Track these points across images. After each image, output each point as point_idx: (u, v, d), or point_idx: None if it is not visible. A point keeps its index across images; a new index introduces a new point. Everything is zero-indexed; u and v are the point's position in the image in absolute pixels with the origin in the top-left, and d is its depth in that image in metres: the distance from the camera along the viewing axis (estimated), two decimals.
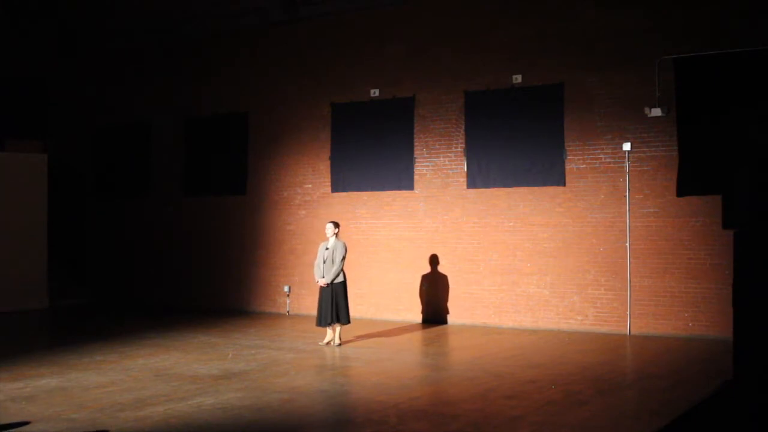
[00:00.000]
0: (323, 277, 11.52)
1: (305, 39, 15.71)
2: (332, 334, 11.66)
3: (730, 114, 11.78)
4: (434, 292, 14.12)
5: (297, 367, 10.00)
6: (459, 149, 13.97)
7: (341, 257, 11.50)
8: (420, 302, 14.24)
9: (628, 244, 12.54)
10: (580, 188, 12.96)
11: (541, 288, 13.21)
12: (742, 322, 6.06)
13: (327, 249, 11.64)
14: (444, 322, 13.99)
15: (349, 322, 11.69)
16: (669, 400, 8.15)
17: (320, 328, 11.84)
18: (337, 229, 11.74)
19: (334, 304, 11.46)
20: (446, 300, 14.02)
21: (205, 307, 16.36)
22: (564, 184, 13.06)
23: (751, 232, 6.02)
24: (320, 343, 11.67)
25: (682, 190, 12.19)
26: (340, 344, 11.63)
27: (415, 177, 14.38)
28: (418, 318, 14.25)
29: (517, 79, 13.49)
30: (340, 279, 11.55)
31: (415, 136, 14.38)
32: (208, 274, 16.68)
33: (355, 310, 12.92)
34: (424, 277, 14.19)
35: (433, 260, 14.09)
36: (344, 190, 15.08)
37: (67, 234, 18.13)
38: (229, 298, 16.35)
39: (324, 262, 11.57)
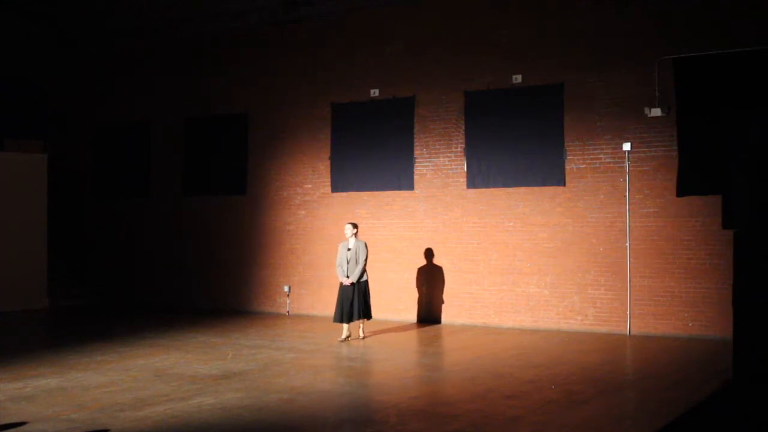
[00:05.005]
0: (348, 277, 11.96)
1: (305, 39, 15.71)
2: (348, 330, 12.11)
3: (730, 114, 11.78)
4: (431, 290, 14.11)
5: (297, 367, 10.00)
6: (459, 149, 13.98)
7: (365, 257, 12.05)
8: (418, 299, 14.23)
9: (628, 244, 12.54)
10: (579, 188, 12.96)
11: (541, 288, 13.21)
12: (742, 322, 6.06)
13: (349, 249, 12.09)
14: (438, 321, 13.99)
15: (371, 317, 12.32)
16: (669, 400, 8.15)
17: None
18: (356, 230, 12.24)
19: (361, 301, 12.02)
20: (441, 293, 14.00)
21: (205, 307, 16.37)
22: (564, 184, 13.06)
23: (751, 232, 6.02)
24: (339, 340, 12.03)
25: (682, 190, 12.19)
26: (364, 337, 12.27)
27: (415, 177, 14.38)
28: (418, 317, 14.24)
29: (517, 79, 13.49)
30: (364, 277, 12.07)
31: (415, 136, 14.38)
32: (208, 274, 16.68)
33: None
34: (420, 272, 14.20)
35: (429, 254, 14.11)
36: (344, 190, 15.09)
37: (67, 234, 18.13)
38: (229, 298, 16.35)
39: (348, 263, 12.01)
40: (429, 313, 14.18)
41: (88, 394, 8.45)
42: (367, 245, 12.32)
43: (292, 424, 7.38)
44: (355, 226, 12.22)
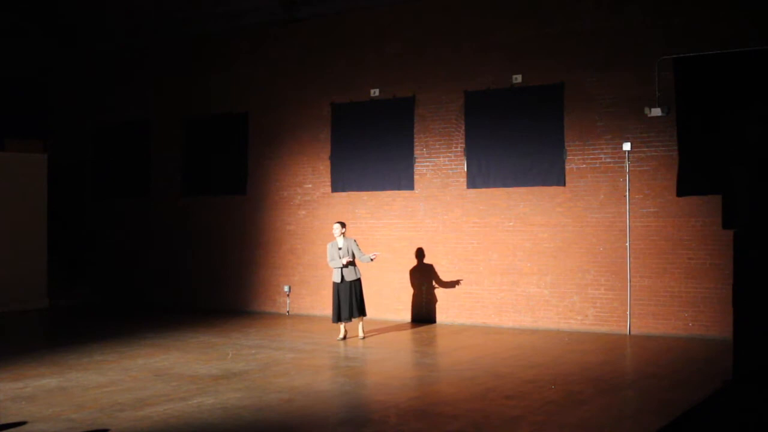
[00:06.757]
0: (343, 260, 12.04)
1: (305, 39, 15.70)
2: (345, 329, 12.29)
3: (729, 114, 11.77)
4: (428, 289, 14.11)
5: (297, 367, 10.00)
6: (459, 149, 13.97)
7: (359, 250, 12.27)
8: (412, 299, 14.24)
9: (628, 244, 12.54)
10: (580, 188, 12.96)
11: (541, 288, 13.21)
12: (742, 322, 6.06)
13: (340, 249, 12.17)
14: (433, 320, 13.98)
15: (366, 314, 12.49)
16: (669, 400, 8.15)
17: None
18: (344, 229, 12.33)
19: (357, 299, 12.20)
20: (435, 292, 14.00)
21: (205, 307, 16.36)
22: (564, 184, 13.06)
23: (751, 232, 6.02)
24: (337, 339, 12.18)
25: (682, 190, 12.19)
26: (364, 337, 12.33)
27: (415, 177, 14.38)
28: (416, 317, 14.24)
29: (517, 79, 13.48)
30: (358, 276, 12.22)
31: (415, 136, 14.38)
32: (208, 274, 16.67)
33: None
34: (413, 273, 14.20)
35: (419, 254, 14.12)
36: (344, 190, 15.08)
37: (67, 234, 18.13)
38: (229, 298, 16.35)
39: (341, 259, 12.17)
40: (425, 313, 14.17)
41: (88, 394, 8.46)
42: (356, 241, 12.53)
43: (292, 424, 7.38)
44: (343, 225, 12.34)
